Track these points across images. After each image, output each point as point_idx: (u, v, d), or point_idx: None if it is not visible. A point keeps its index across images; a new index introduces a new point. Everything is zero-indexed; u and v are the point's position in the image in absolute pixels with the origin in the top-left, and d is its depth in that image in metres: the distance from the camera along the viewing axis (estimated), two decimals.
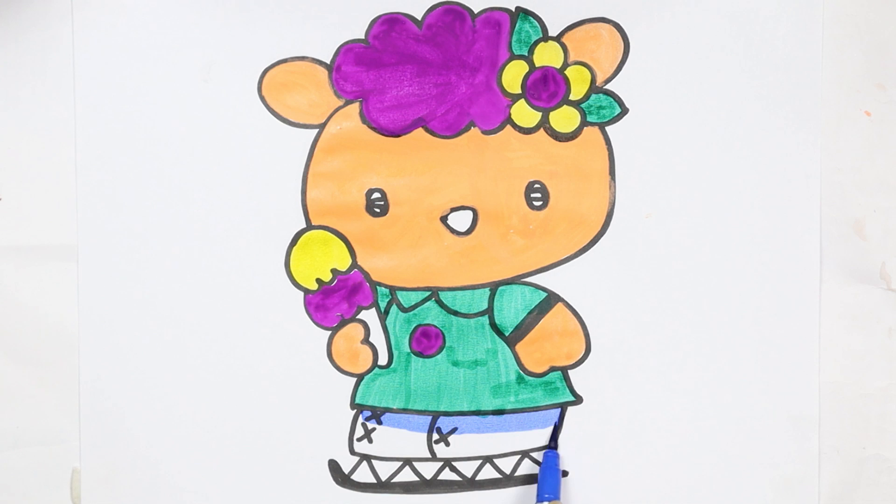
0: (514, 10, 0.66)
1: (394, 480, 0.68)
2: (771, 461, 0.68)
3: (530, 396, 0.68)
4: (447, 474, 0.68)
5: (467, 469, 0.68)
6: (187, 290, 0.66)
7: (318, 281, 0.67)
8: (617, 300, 0.67)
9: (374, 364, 0.67)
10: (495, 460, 0.68)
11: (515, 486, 0.68)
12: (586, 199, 0.67)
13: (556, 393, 0.68)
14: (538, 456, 0.68)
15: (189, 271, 0.66)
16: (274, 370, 0.67)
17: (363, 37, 0.66)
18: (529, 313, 0.67)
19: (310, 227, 0.67)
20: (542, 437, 0.68)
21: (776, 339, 0.67)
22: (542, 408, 0.68)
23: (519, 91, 0.67)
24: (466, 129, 0.67)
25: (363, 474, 0.68)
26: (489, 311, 0.67)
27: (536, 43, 0.67)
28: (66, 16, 0.65)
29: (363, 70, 0.66)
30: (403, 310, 0.67)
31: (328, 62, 0.66)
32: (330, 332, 0.67)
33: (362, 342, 0.67)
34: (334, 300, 0.67)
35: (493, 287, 0.67)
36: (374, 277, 0.67)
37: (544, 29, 0.67)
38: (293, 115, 0.66)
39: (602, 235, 0.67)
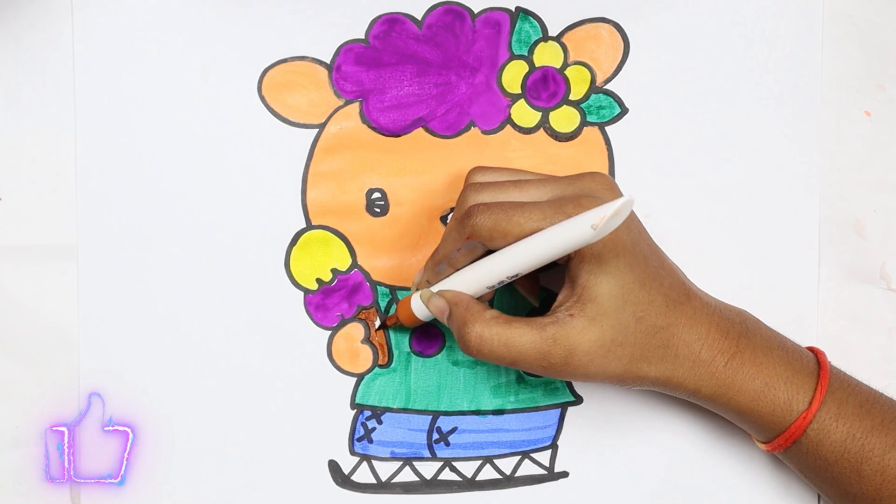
0: (514, 10, 0.66)
1: (394, 481, 0.68)
2: (771, 461, 0.68)
3: (530, 396, 0.68)
4: (447, 474, 0.68)
5: (467, 469, 0.68)
6: (187, 289, 0.66)
7: (319, 281, 0.67)
8: None
9: (375, 364, 0.67)
10: (495, 461, 0.68)
11: (515, 486, 0.68)
12: None
13: (556, 393, 0.68)
14: (538, 456, 0.68)
15: (189, 271, 0.66)
16: (274, 370, 0.67)
17: (363, 37, 0.66)
18: (529, 313, 0.67)
19: (310, 226, 0.67)
20: (542, 437, 0.68)
21: None
22: (542, 408, 0.68)
23: (519, 91, 0.67)
24: (466, 129, 0.67)
25: (363, 475, 0.68)
26: None
27: (536, 43, 0.67)
28: (66, 16, 0.65)
29: (363, 70, 0.66)
30: None
31: (328, 62, 0.66)
32: (330, 332, 0.67)
33: (362, 342, 0.67)
34: (334, 300, 0.67)
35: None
36: (375, 277, 0.67)
37: (544, 29, 0.67)
38: (293, 115, 0.66)
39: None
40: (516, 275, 0.58)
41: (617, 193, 0.59)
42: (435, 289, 0.61)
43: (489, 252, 0.59)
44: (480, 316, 0.58)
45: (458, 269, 0.60)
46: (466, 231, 0.58)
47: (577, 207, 0.56)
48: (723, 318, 0.60)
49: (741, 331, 0.60)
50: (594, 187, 0.59)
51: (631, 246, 0.57)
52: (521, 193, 0.59)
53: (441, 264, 0.61)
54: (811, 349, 0.62)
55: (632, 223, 0.58)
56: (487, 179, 0.61)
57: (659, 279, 0.58)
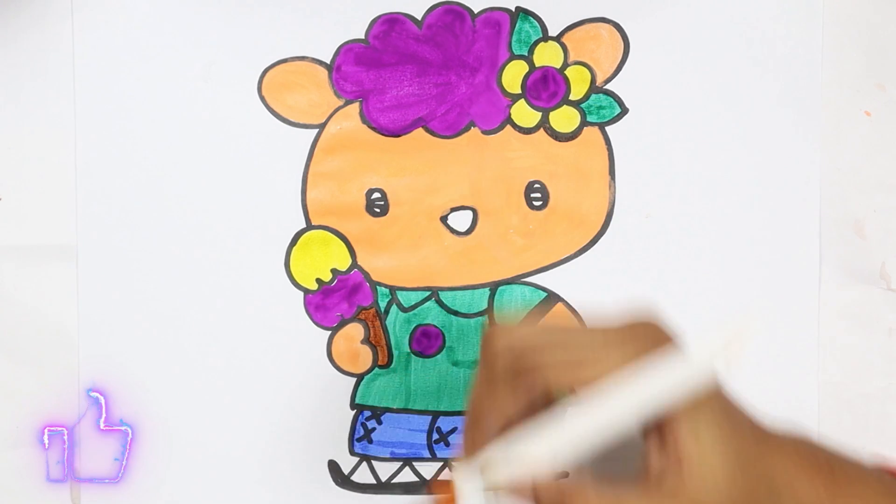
0: (514, 10, 0.66)
1: (394, 481, 0.68)
2: None
3: None
4: (447, 475, 0.68)
5: None
6: (187, 290, 0.66)
7: (318, 281, 0.67)
8: (617, 300, 0.67)
9: (374, 364, 0.67)
10: None
11: None
12: (586, 199, 0.67)
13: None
14: None
15: (189, 271, 0.66)
16: (274, 370, 0.67)
17: (363, 37, 0.66)
18: (529, 313, 0.67)
19: (310, 227, 0.67)
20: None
21: (776, 339, 0.67)
22: None
23: (519, 91, 0.67)
24: (466, 129, 0.67)
25: (363, 475, 0.68)
26: (489, 311, 0.67)
27: (536, 43, 0.67)
28: (66, 16, 0.65)
29: (363, 70, 0.66)
30: (403, 310, 0.67)
31: (328, 62, 0.66)
32: (330, 332, 0.67)
33: (362, 342, 0.67)
34: (334, 300, 0.67)
35: (493, 287, 0.67)
36: (374, 277, 0.67)
37: (544, 29, 0.67)
38: (293, 115, 0.66)
39: (602, 235, 0.67)
40: (611, 436, 0.44)
41: (671, 331, 0.47)
42: (497, 475, 0.46)
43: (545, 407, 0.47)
44: (583, 498, 0.45)
45: (517, 441, 0.46)
46: (528, 386, 0.46)
47: (652, 342, 0.45)
48: (803, 446, 0.50)
49: (825, 457, 0.50)
50: (650, 323, 0.46)
51: (718, 386, 0.47)
52: (566, 336, 0.46)
53: (494, 441, 0.46)
54: (881, 463, 0.53)
55: None
56: (517, 330, 0.47)
57: (745, 420, 0.49)
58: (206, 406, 0.67)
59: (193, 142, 0.66)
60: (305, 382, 0.67)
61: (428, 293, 0.67)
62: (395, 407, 0.68)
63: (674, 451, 0.45)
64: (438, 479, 0.61)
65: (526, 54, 0.67)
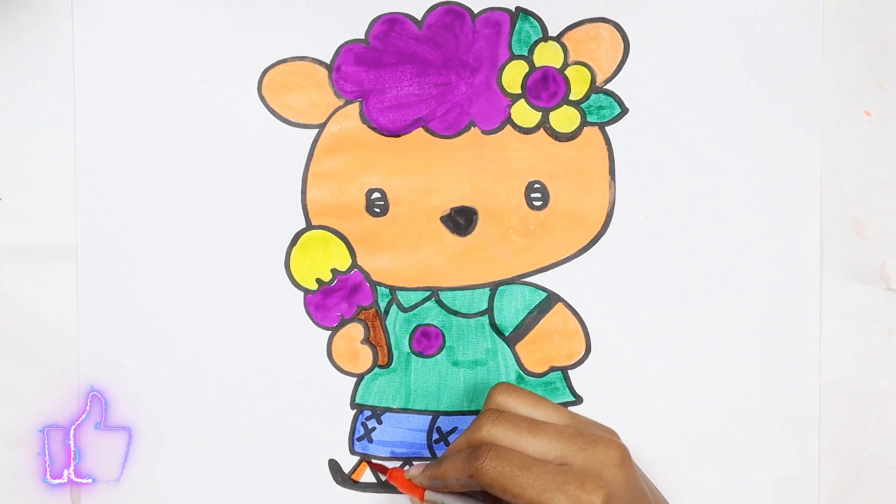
0: (514, 10, 0.66)
1: None
2: (771, 461, 0.68)
3: None
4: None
5: None
6: (187, 290, 0.66)
7: (318, 281, 0.67)
8: (617, 300, 0.67)
9: (374, 364, 0.67)
10: None
11: None
12: (586, 199, 0.67)
13: (556, 393, 0.68)
14: None
15: (189, 271, 0.66)
16: (274, 370, 0.67)
17: (363, 37, 0.66)
18: (529, 313, 0.67)
19: (310, 227, 0.67)
20: None
21: (776, 339, 0.67)
22: None
23: (519, 91, 0.67)
24: (466, 129, 0.67)
25: (363, 474, 0.68)
26: (489, 311, 0.67)
27: (536, 43, 0.67)
28: (66, 16, 0.65)
29: (363, 70, 0.66)
30: (403, 310, 0.67)
31: (328, 62, 0.66)
32: (330, 333, 0.67)
33: (362, 342, 0.67)
34: (334, 300, 0.67)
35: (493, 287, 0.67)
36: (374, 277, 0.67)
37: (544, 29, 0.67)
38: (293, 115, 0.66)
39: (602, 235, 0.67)
40: None
41: (627, 469, 0.57)
42: (428, 496, 0.61)
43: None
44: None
45: (452, 493, 0.60)
46: (471, 469, 0.56)
47: (578, 489, 0.55)
48: None
49: None
50: (604, 462, 0.57)
51: None
52: (532, 441, 0.57)
53: (437, 481, 0.59)
54: None
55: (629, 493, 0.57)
56: (509, 405, 0.59)
57: None
58: (205, 406, 0.67)
59: (193, 142, 0.66)
60: (305, 382, 0.67)
61: (428, 293, 0.67)
62: (395, 407, 0.68)
63: None
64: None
65: (526, 54, 0.67)
